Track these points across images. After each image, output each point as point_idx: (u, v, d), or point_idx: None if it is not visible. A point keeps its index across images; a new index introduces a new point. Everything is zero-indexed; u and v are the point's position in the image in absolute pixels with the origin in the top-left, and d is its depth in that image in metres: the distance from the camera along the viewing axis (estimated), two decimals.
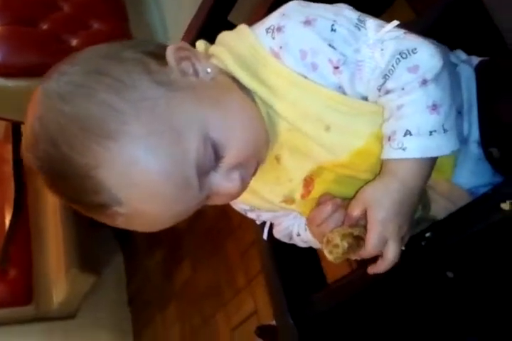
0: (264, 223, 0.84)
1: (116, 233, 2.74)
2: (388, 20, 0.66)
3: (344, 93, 0.64)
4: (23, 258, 2.48)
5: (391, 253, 0.63)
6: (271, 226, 0.83)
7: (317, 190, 0.69)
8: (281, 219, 0.80)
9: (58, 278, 2.39)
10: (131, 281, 2.74)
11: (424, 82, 0.61)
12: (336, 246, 0.64)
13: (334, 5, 0.67)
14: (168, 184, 0.59)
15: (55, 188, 0.62)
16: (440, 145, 0.62)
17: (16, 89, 1.83)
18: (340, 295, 0.86)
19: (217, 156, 0.61)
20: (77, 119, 0.57)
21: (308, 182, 0.69)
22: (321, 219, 0.67)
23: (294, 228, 0.80)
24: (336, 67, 0.63)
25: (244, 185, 0.66)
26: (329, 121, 0.64)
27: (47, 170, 0.60)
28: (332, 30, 0.63)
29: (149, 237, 2.60)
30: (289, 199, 0.72)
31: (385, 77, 0.62)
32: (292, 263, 0.92)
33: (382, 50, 0.62)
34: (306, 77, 0.63)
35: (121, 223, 0.62)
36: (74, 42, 1.90)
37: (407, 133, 0.61)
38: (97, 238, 2.49)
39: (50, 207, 2.50)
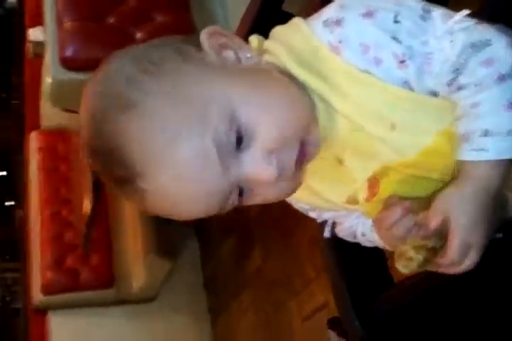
0: (325, 221, 0.81)
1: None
2: (454, 7, 0.62)
3: (410, 88, 0.61)
4: (103, 243, 2.60)
5: (470, 260, 0.60)
6: (333, 224, 0.81)
7: (383, 191, 0.66)
8: (343, 218, 0.78)
9: (137, 262, 2.48)
10: (205, 266, 2.79)
11: (501, 78, 0.57)
12: (410, 259, 0.61)
13: None
14: (186, 153, 0.57)
15: (95, 166, 0.62)
16: None
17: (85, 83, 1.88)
18: (407, 295, 0.84)
19: (246, 137, 0.58)
20: (107, 94, 0.59)
21: (373, 183, 0.66)
22: (389, 224, 0.64)
23: (357, 227, 0.78)
24: (402, 61, 0.59)
25: (286, 176, 0.60)
26: (394, 119, 0.61)
27: (89, 149, 0.61)
28: (395, 21, 0.59)
29: (222, 224, 2.63)
30: (352, 200, 0.69)
31: (457, 72, 0.58)
32: (357, 262, 0.90)
33: (451, 41, 0.58)
34: (369, 73, 0.60)
35: (149, 203, 0.60)
36: (138, 35, 1.93)
37: (485, 133, 0.57)
38: (173, 224, 2.55)
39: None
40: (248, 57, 0.62)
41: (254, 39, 0.67)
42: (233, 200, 0.61)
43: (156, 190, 0.58)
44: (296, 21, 0.65)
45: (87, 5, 1.99)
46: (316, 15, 0.64)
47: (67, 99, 2.04)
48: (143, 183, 0.58)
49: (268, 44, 0.66)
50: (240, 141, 0.58)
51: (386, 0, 0.62)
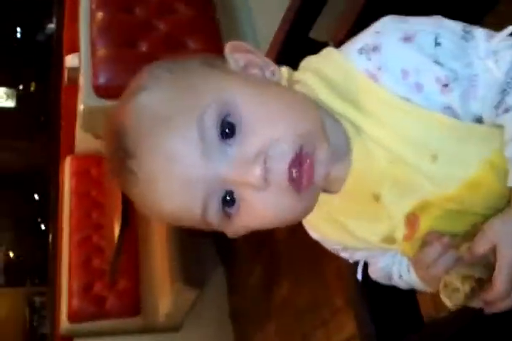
0: (357, 261, 0.77)
1: (218, 247, 2.78)
2: (493, 24, 0.59)
3: (454, 115, 0.57)
4: (131, 270, 2.59)
5: None
6: (365, 264, 0.77)
7: (423, 228, 0.61)
8: (376, 258, 0.74)
9: (164, 291, 2.45)
10: (232, 295, 2.75)
11: None
12: (456, 290, 0.57)
13: (431, 17, 0.60)
14: (172, 136, 0.56)
15: (107, 151, 0.62)
16: None
17: None
18: (439, 337, 0.78)
19: (238, 132, 0.55)
20: (132, 86, 0.61)
21: (413, 220, 0.62)
22: (428, 262, 0.60)
23: (393, 268, 0.73)
24: (445, 85, 0.56)
25: (277, 184, 0.55)
26: (436, 149, 0.57)
27: (106, 133, 0.63)
28: (436, 44, 0.57)
29: (249, 251, 2.60)
30: (389, 239, 0.65)
31: (504, 93, 0.55)
32: (385, 298, 0.85)
33: (497, 61, 0.56)
34: (409, 100, 0.57)
35: (139, 191, 0.59)
36: None
37: None
38: (200, 252, 2.53)
39: (157, 221, 2.57)
40: (272, 74, 0.62)
41: (284, 71, 0.65)
42: (217, 206, 0.57)
43: (143, 172, 0.57)
44: (329, 50, 0.63)
45: (120, 31, 2.01)
46: (349, 44, 0.62)
47: (98, 125, 2.05)
48: (133, 165, 0.57)
49: (299, 74, 0.64)
50: (231, 134, 0.55)
51: (424, 23, 0.59)
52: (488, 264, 0.56)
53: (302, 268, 2.16)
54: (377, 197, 0.62)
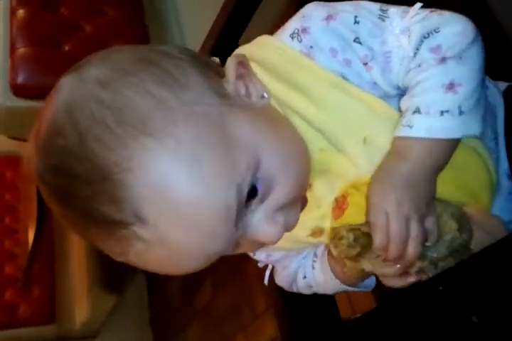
0: (266, 266, 0.79)
1: None
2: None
3: (381, 89, 0.60)
4: (46, 277, 2.49)
5: (414, 232, 0.57)
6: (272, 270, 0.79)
7: (350, 210, 0.63)
8: (288, 260, 0.76)
9: (81, 297, 2.38)
10: (152, 301, 2.71)
11: (443, 60, 0.57)
12: (341, 238, 0.60)
13: (351, 1, 0.63)
14: (207, 206, 0.48)
15: (62, 201, 0.50)
16: (451, 128, 0.56)
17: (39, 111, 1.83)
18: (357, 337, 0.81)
19: (264, 190, 0.53)
20: (116, 109, 0.48)
21: (341, 202, 0.64)
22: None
23: (300, 270, 0.76)
24: (365, 64, 0.59)
25: (284, 232, 0.56)
26: (368, 130, 0.60)
27: (58, 173, 0.49)
28: (355, 22, 0.60)
29: None
30: (317, 231, 0.67)
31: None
32: (305, 303, 0.88)
33: (409, 37, 0.58)
34: (344, 76, 0.60)
35: (134, 254, 0.51)
36: None
37: (416, 110, 0.57)
38: None
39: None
40: (263, 97, 0.58)
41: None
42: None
43: (156, 240, 0.49)
44: (263, 38, 0.64)
45: (42, 31, 1.95)
46: (279, 32, 0.64)
47: (16, 127, 1.97)
48: (141, 230, 0.49)
49: None
50: (263, 195, 0.53)
51: (344, 4, 0.62)
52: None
53: (224, 272, 2.18)
54: (309, 186, 0.64)
